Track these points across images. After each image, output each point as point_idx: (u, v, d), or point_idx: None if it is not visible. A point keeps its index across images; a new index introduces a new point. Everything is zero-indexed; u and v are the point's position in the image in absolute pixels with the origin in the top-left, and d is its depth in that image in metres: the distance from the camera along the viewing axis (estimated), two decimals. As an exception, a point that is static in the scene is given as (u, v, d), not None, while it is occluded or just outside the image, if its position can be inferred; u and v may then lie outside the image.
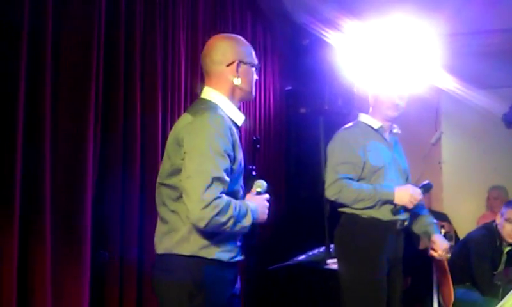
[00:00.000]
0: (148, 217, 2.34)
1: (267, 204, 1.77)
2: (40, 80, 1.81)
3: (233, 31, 3.45)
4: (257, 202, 1.73)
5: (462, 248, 3.45)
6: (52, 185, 1.88)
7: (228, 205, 1.56)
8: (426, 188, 2.54)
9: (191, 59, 2.92)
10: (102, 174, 2.18)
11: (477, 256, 3.25)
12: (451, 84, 4.81)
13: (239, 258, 1.76)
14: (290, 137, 4.31)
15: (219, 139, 1.59)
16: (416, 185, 2.55)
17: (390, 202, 2.41)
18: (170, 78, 2.70)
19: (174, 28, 2.74)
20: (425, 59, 4.55)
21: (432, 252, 2.60)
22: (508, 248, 3.29)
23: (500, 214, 3.31)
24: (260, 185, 1.80)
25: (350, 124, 2.63)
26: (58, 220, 1.91)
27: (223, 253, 1.66)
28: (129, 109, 2.35)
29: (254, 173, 3.55)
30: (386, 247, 2.43)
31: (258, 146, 3.69)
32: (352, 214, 2.44)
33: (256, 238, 1.77)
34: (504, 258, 3.29)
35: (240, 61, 1.73)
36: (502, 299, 2.50)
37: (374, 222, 2.41)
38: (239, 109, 1.78)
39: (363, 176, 2.45)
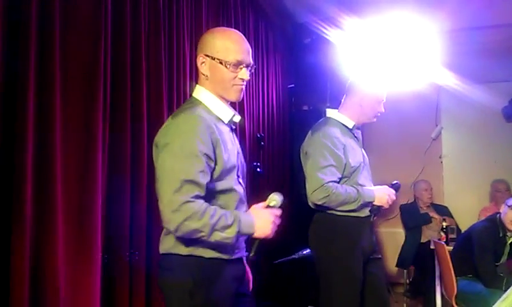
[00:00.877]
0: (156, 214, 2.38)
1: (273, 219, 1.63)
2: (49, 80, 1.84)
3: (236, 28, 3.49)
4: (259, 215, 1.62)
5: (465, 240, 3.49)
6: (63, 183, 1.91)
7: (202, 212, 1.48)
8: (396, 188, 2.58)
9: (195, 59, 2.96)
10: (111, 173, 2.21)
11: (480, 248, 3.29)
12: (451, 79, 4.87)
13: (241, 254, 1.71)
14: (293, 134, 4.36)
15: (192, 139, 1.51)
16: (389, 184, 2.59)
17: (369, 204, 2.46)
18: (175, 78, 2.73)
19: (178, 28, 2.79)
20: (425, 56, 4.60)
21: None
22: (512, 239, 3.34)
23: (504, 204, 3.35)
24: (274, 199, 1.68)
25: (325, 123, 2.55)
26: (69, 218, 1.94)
27: (221, 251, 1.62)
28: (136, 108, 2.36)
29: (259, 170, 3.62)
30: (362, 239, 2.47)
31: (262, 143, 3.74)
32: (328, 213, 2.45)
33: (255, 251, 1.64)
34: (507, 249, 3.33)
35: (207, 55, 1.64)
36: (505, 290, 2.52)
37: (351, 219, 2.45)
38: (239, 106, 1.73)
39: (344, 175, 2.45)
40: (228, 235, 1.52)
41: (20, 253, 1.68)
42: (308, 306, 3.54)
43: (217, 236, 1.51)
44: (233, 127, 1.77)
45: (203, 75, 1.68)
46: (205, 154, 1.52)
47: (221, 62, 1.62)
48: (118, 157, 2.27)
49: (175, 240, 1.59)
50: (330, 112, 2.62)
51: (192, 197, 1.48)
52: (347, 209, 2.42)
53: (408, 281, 4.71)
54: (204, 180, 1.52)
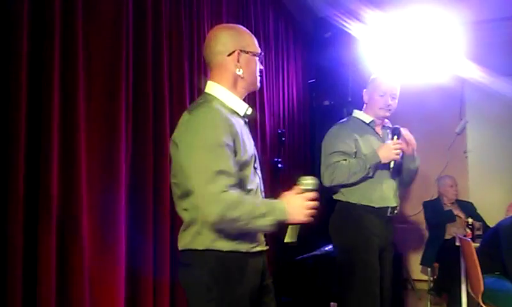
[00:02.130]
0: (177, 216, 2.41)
1: (305, 203, 1.61)
2: (73, 83, 1.87)
3: (256, 26, 3.49)
4: (290, 201, 1.61)
5: (492, 237, 3.41)
6: (88, 186, 1.94)
7: (238, 201, 1.50)
8: (397, 133, 2.60)
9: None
10: (134, 173, 2.23)
11: (508, 244, 3.21)
12: (475, 72, 4.76)
13: (260, 248, 1.70)
14: (314, 129, 4.33)
15: (212, 131, 1.54)
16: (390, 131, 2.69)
17: (381, 165, 2.56)
18: (197, 78, 2.74)
19: (199, 26, 2.80)
20: (448, 49, 4.51)
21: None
22: (540, 236, 3.25)
23: None
24: (305, 182, 1.65)
25: (344, 119, 2.83)
26: (94, 221, 1.98)
27: (240, 244, 1.62)
28: (158, 109, 2.39)
29: (280, 165, 3.61)
30: (376, 231, 2.59)
31: (283, 138, 3.73)
32: (347, 202, 2.63)
33: (296, 237, 1.65)
34: (536, 245, 3.25)
35: (241, 50, 1.68)
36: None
37: (366, 209, 2.59)
38: (245, 100, 1.74)
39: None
40: (266, 222, 1.54)
41: (47, 250, 1.71)
42: (331, 302, 3.52)
43: (254, 224, 1.53)
44: (247, 120, 1.79)
45: (237, 69, 1.69)
46: (227, 144, 1.54)
47: (254, 55, 1.72)
48: (141, 156, 2.29)
49: (192, 235, 1.61)
50: (354, 112, 2.83)
51: (227, 187, 1.50)
52: (359, 178, 2.54)
53: (432, 278, 4.63)
54: (234, 169, 1.54)
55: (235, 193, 1.51)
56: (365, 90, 2.77)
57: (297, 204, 1.61)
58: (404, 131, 2.64)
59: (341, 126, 2.73)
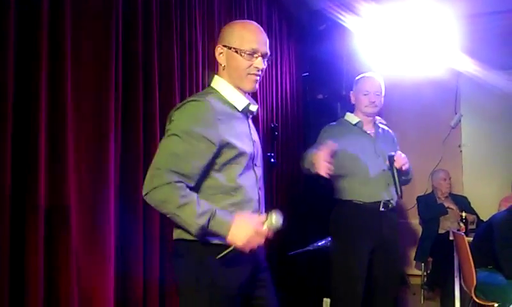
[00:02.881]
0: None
1: (254, 233, 1.53)
2: (61, 79, 1.84)
3: (249, 16, 3.45)
4: (240, 222, 1.54)
5: (485, 231, 3.41)
6: (77, 184, 1.91)
7: (177, 190, 1.50)
8: (391, 161, 2.66)
9: (207, 48, 2.92)
10: (123, 171, 2.20)
11: (501, 239, 3.21)
12: (470, 66, 4.74)
13: None
14: (308, 123, 4.29)
15: (192, 122, 1.56)
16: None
17: (369, 161, 2.72)
18: (188, 71, 2.69)
19: (190, 18, 2.75)
20: (444, 42, 4.48)
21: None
22: (534, 230, 3.24)
23: None
24: (270, 220, 1.57)
25: (333, 123, 2.99)
26: (83, 218, 1.95)
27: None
28: (148, 107, 2.35)
29: (272, 160, 3.58)
30: (367, 228, 2.69)
31: (276, 133, 3.69)
32: (340, 200, 2.80)
33: (222, 256, 1.55)
34: (529, 240, 3.25)
35: (224, 45, 1.69)
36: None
37: (358, 205, 2.71)
38: (252, 95, 1.74)
39: (341, 163, 2.64)
40: (193, 219, 1.49)
41: (35, 249, 1.69)
42: (324, 298, 3.50)
43: (181, 215, 1.50)
44: (249, 116, 1.79)
45: (221, 65, 1.73)
46: (203, 137, 1.55)
47: (236, 51, 1.67)
48: (131, 155, 2.25)
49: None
50: (345, 114, 2.97)
51: (175, 182, 1.51)
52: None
53: (425, 273, 4.63)
54: (196, 164, 1.56)
55: (178, 186, 1.51)
56: (351, 92, 2.93)
57: (245, 228, 1.54)
58: (397, 154, 2.69)
59: (329, 128, 2.92)
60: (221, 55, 1.71)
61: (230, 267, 1.60)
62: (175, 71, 2.56)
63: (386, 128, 2.98)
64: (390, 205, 2.73)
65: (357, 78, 2.94)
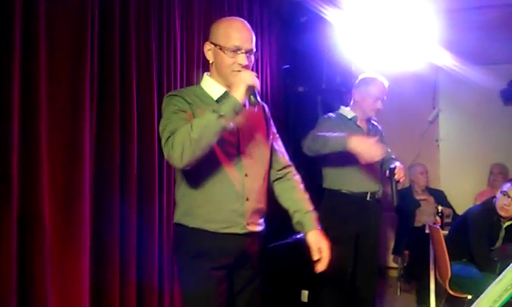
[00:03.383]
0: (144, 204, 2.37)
1: (250, 72, 1.68)
2: (34, 71, 1.80)
3: (229, 8, 3.40)
4: (236, 79, 1.66)
5: (460, 224, 3.47)
6: (50, 178, 1.88)
7: (179, 132, 1.59)
8: (391, 174, 2.77)
9: (186, 39, 2.87)
10: (98, 168, 2.17)
11: (475, 232, 3.28)
12: (449, 60, 4.78)
13: (235, 230, 1.73)
14: (288, 115, 4.27)
15: (169, 104, 1.72)
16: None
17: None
18: (166, 62, 2.64)
19: (169, 8, 2.70)
20: (422, 36, 4.51)
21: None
22: (508, 223, 3.31)
23: (500, 189, 3.34)
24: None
25: (331, 114, 3.04)
26: (56, 213, 1.92)
27: (209, 223, 1.70)
28: (125, 99, 2.32)
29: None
30: (352, 217, 2.80)
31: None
32: (331, 189, 2.88)
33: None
34: (502, 233, 3.32)
35: (211, 42, 1.76)
36: (499, 274, 2.51)
37: (346, 195, 2.82)
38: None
39: (334, 154, 2.72)
40: (214, 114, 1.57)
41: (7, 242, 1.67)
42: (302, 290, 3.52)
43: (199, 125, 1.57)
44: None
45: (209, 61, 1.80)
46: (182, 110, 1.69)
47: (221, 49, 1.72)
48: (106, 149, 2.22)
49: (175, 209, 1.79)
50: (340, 108, 3.05)
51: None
52: (335, 149, 2.65)
53: (402, 265, 4.70)
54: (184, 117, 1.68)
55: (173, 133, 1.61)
56: (356, 89, 2.95)
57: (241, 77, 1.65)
58: (397, 167, 2.79)
59: (327, 118, 2.97)
60: (209, 51, 1.78)
61: (206, 253, 1.70)
62: (153, 62, 2.52)
63: (375, 124, 3.08)
64: (377, 196, 2.87)
65: (366, 77, 2.96)
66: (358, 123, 2.95)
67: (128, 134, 2.33)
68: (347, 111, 2.99)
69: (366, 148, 2.53)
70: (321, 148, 2.68)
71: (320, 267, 1.80)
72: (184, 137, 1.55)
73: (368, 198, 2.84)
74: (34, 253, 1.79)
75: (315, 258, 1.80)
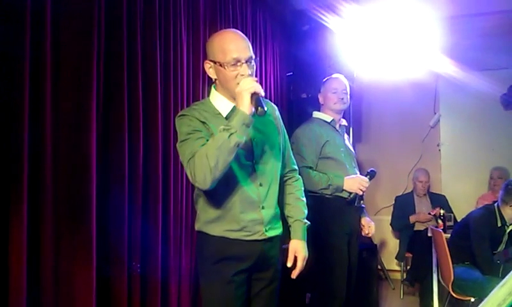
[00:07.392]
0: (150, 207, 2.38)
1: (249, 78, 1.67)
2: (42, 73, 1.80)
3: (233, 18, 3.46)
4: (239, 90, 1.65)
5: (462, 228, 3.50)
6: (54, 179, 1.87)
7: (197, 156, 1.63)
8: (372, 175, 2.88)
9: (192, 51, 2.90)
10: (105, 177, 2.15)
11: (477, 235, 3.31)
12: (449, 66, 4.85)
13: (254, 237, 1.76)
14: (291, 122, 4.33)
15: (182, 124, 1.74)
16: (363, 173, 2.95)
17: (341, 189, 2.83)
18: (172, 72, 2.65)
19: (175, 17, 2.74)
20: (423, 43, 4.58)
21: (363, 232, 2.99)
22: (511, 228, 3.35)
23: (501, 199, 3.35)
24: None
25: (308, 122, 3.06)
26: (61, 212, 1.90)
27: (229, 232, 1.75)
28: (132, 103, 2.30)
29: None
30: (345, 219, 2.85)
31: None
32: (320, 196, 2.84)
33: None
34: (506, 238, 3.36)
35: (210, 60, 1.76)
36: (502, 277, 2.55)
37: (337, 199, 2.85)
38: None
39: (323, 158, 2.87)
40: (225, 133, 1.59)
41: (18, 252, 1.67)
42: (307, 293, 3.56)
43: (213, 150, 1.59)
44: None
45: (212, 79, 1.81)
46: (195, 130, 1.71)
47: (220, 65, 1.71)
48: (113, 154, 2.20)
49: (196, 217, 1.85)
50: (314, 113, 3.11)
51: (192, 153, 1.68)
52: (319, 190, 2.81)
53: (405, 268, 4.74)
54: (200, 142, 1.70)
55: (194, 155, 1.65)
56: (319, 94, 3.07)
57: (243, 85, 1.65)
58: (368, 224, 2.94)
59: (311, 128, 2.96)
60: (210, 69, 1.77)
61: (226, 260, 1.76)
62: (158, 75, 2.51)
63: (344, 124, 3.12)
64: (362, 202, 2.95)
65: (324, 80, 3.12)
66: (336, 126, 3.01)
67: (135, 135, 2.31)
68: (323, 115, 3.04)
69: (356, 188, 2.80)
70: (323, 190, 2.83)
71: (292, 274, 1.86)
72: (204, 166, 1.59)
73: (356, 203, 2.87)
74: (42, 250, 1.80)
75: (288, 264, 1.86)
